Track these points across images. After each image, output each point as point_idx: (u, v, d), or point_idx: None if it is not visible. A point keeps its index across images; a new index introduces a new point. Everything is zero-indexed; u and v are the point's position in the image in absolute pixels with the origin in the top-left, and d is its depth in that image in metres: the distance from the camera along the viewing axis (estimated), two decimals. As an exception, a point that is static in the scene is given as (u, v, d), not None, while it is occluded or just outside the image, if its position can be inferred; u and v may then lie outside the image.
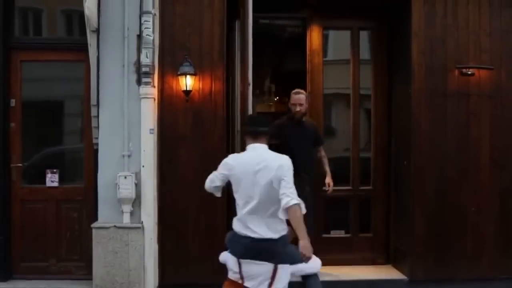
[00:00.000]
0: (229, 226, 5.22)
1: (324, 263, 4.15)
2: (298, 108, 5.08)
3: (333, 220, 5.91)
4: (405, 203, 5.45)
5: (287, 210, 3.29)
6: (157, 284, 5.04)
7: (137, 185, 4.95)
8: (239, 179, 3.52)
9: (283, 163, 3.45)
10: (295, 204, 3.27)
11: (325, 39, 6.06)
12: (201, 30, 5.15)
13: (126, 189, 4.92)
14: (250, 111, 4.74)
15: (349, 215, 5.90)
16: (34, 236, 5.33)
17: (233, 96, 5.44)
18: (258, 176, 3.42)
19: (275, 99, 8.92)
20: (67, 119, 5.68)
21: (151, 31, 4.94)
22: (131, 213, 4.97)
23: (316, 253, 4.64)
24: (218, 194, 3.89)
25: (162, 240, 5.09)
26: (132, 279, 4.92)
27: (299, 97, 5.12)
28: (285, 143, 4.99)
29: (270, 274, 3.42)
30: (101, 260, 4.92)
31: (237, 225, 3.56)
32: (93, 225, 4.97)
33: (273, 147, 3.76)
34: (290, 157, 3.76)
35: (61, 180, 5.35)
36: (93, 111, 5.08)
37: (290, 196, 3.28)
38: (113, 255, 4.92)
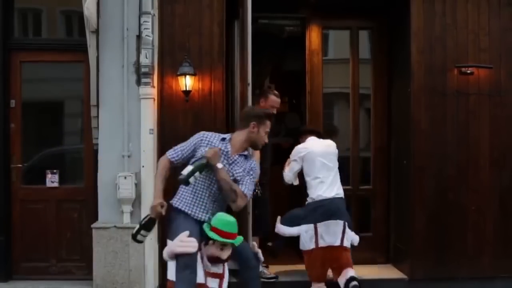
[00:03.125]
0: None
1: (324, 263, 4.17)
2: (275, 111, 5.24)
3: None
4: (405, 202, 5.45)
5: None
6: (157, 284, 5.03)
7: (137, 185, 4.95)
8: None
9: None
10: None
11: (324, 38, 6.06)
12: (201, 30, 5.15)
13: (126, 189, 4.92)
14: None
15: (349, 215, 5.89)
16: (34, 237, 5.33)
17: (232, 96, 5.45)
18: None
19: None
20: (67, 119, 5.69)
21: (151, 31, 4.94)
22: (131, 213, 4.97)
23: (316, 252, 4.61)
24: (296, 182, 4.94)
25: (162, 240, 5.08)
26: (132, 279, 4.93)
27: (279, 100, 5.29)
28: None
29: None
30: (101, 260, 4.93)
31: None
32: (93, 225, 4.98)
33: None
34: (265, 153, 4.49)
35: (61, 181, 5.35)
36: (93, 112, 5.08)
37: None
38: (114, 255, 4.93)
